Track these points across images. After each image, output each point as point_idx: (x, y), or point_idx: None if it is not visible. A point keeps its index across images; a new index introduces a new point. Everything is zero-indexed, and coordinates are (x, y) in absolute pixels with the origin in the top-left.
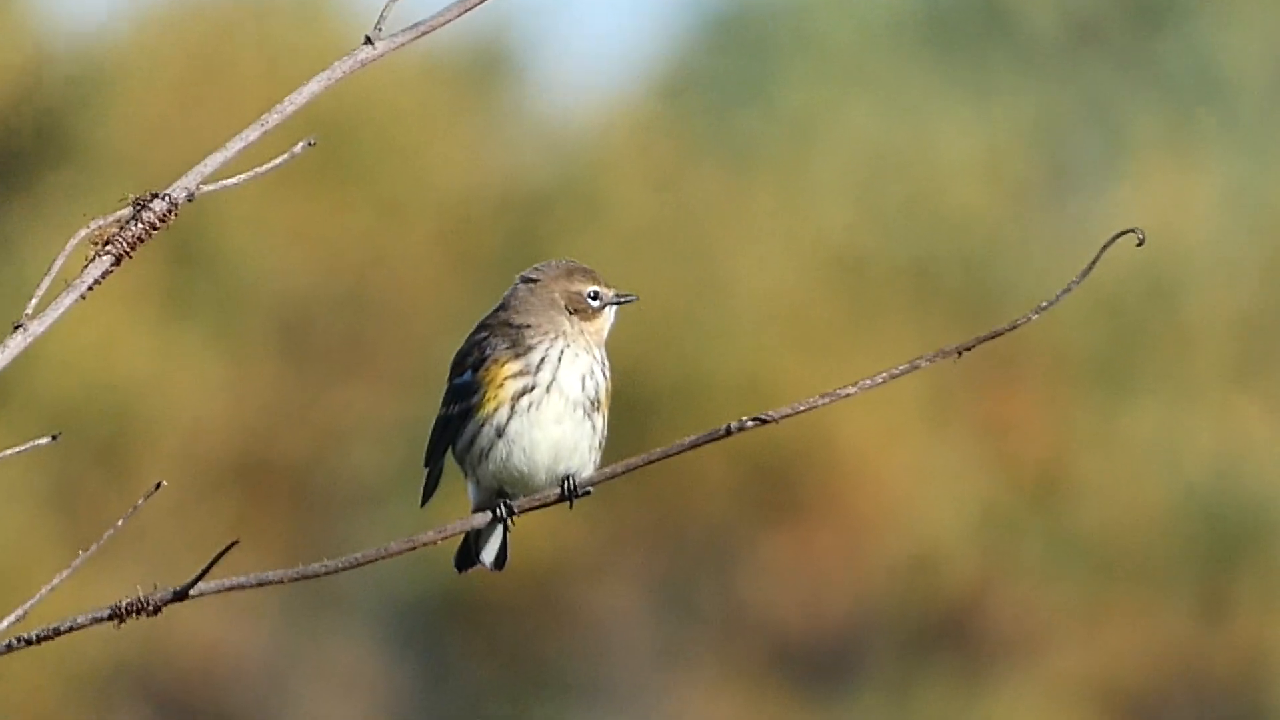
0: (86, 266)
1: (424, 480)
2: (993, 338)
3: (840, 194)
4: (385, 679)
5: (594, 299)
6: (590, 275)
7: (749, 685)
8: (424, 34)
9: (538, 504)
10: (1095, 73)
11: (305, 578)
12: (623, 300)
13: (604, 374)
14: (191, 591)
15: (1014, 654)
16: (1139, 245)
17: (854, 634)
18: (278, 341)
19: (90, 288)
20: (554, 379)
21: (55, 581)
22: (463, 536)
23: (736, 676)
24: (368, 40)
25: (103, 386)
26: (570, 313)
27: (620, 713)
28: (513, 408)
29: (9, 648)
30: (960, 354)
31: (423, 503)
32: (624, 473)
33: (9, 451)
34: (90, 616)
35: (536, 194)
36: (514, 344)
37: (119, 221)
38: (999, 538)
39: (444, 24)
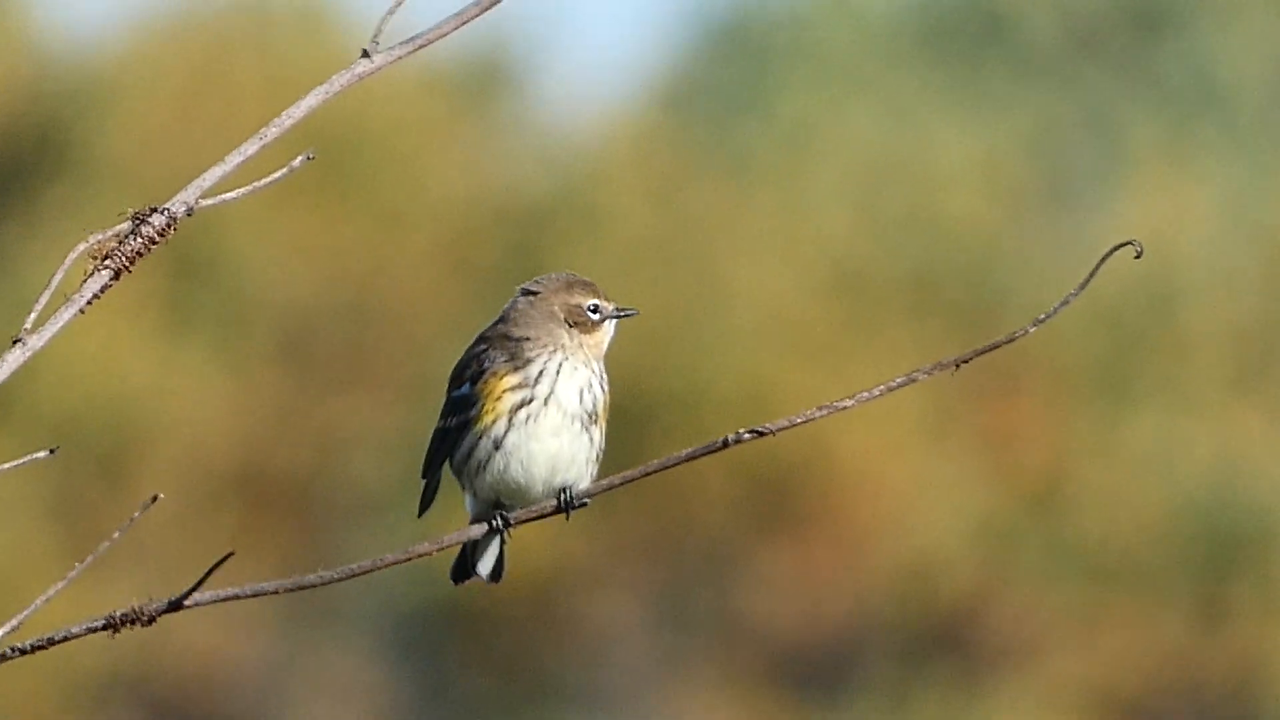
0: (85, 280)
1: (421, 491)
2: (990, 350)
3: (839, 203)
4: (384, 689)
5: (594, 312)
6: (590, 288)
7: (748, 694)
8: (421, 47)
9: (535, 515)
10: (1094, 82)
11: (301, 588)
12: (623, 314)
13: (602, 387)
14: (187, 602)
15: (1012, 661)
16: (1137, 257)
17: (852, 643)
18: (278, 352)
19: (89, 302)
20: (552, 392)
21: (50, 592)
22: (460, 548)
23: (735, 686)
24: (365, 54)
25: (104, 398)
26: (570, 326)
27: None
28: (510, 420)
29: (3, 657)
30: (958, 366)
31: (420, 513)
32: (621, 484)
33: (6, 465)
34: (85, 626)
35: (536, 205)
36: (513, 357)
37: (118, 236)
38: (998, 546)
39: (441, 37)
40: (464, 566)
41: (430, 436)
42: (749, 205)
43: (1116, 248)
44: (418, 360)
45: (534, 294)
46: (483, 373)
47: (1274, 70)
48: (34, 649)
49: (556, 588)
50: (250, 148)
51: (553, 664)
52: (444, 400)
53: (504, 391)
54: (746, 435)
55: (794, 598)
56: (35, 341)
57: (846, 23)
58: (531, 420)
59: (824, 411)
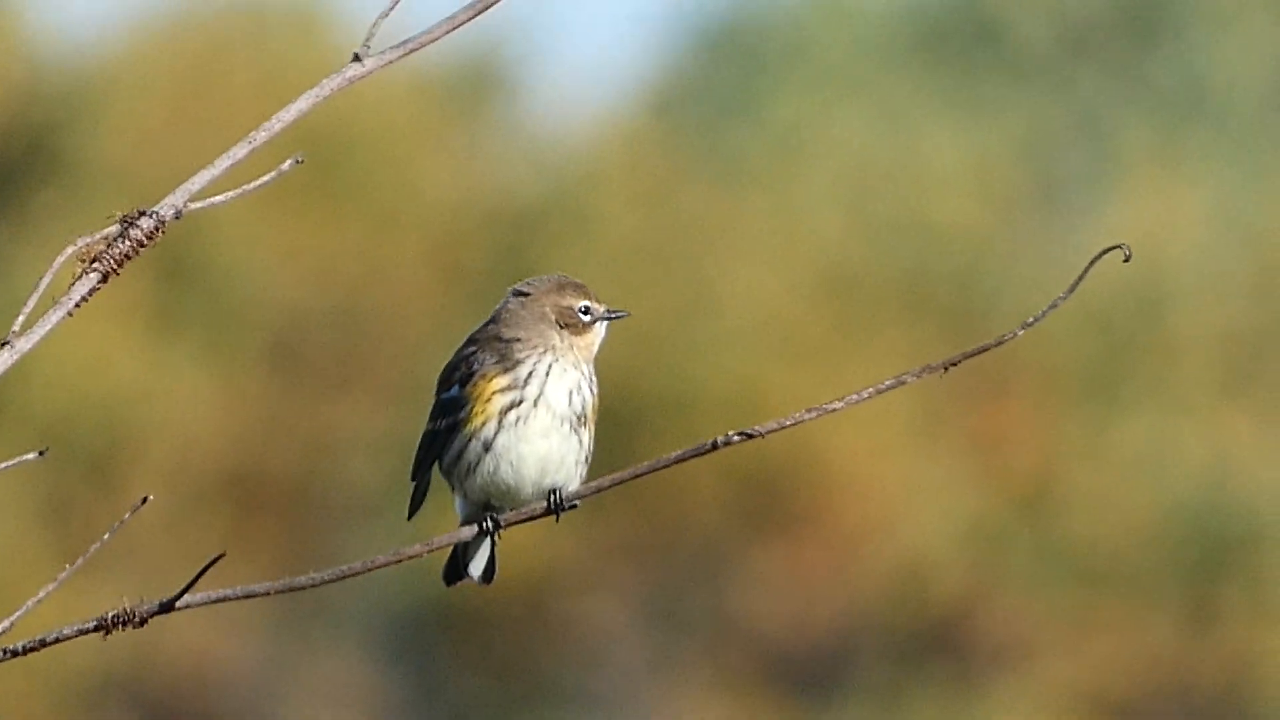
0: (74, 284)
1: (411, 494)
2: (979, 353)
3: (831, 207)
4: (376, 691)
5: (585, 314)
6: (581, 290)
7: (740, 696)
8: (412, 51)
9: (525, 517)
10: (1085, 86)
11: (292, 590)
12: (614, 316)
13: (591, 389)
14: (178, 604)
15: (1003, 663)
16: (1125, 261)
17: (844, 645)
18: (269, 356)
19: (77, 305)
20: (541, 393)
21: (41, 595)
22: (451, 551)
23: (727, 687)
24: (356, 58)
25: (95, 400)
26: (560, 327)
27: None
28: (500, 422)
29: None
30: (946, 369)
31: (410, 516)
32: (610, 487)
33: None
34: (76, 628)
35: (527, 208)
36: (502, 358)
37: (106, 239)
38: (988, 548)
39: (432, 41)
40: (455, 568)
41: (419, 439)
42: (740, 208)
43: (1105, 251)
44: (408, 363)
45: (525, 295)
46: (472, 374)
47: (1265, 75)
48: (25, 651)
49: (549, 589)
50: (239, 151)
51: (545, 665)
52: (433, 402)
53: (493, 393)
54: (736, 437)
55: (786, 599)
56: (23, 344)
57: (838, 27)
58: (521, 422)
59: (813, 414)
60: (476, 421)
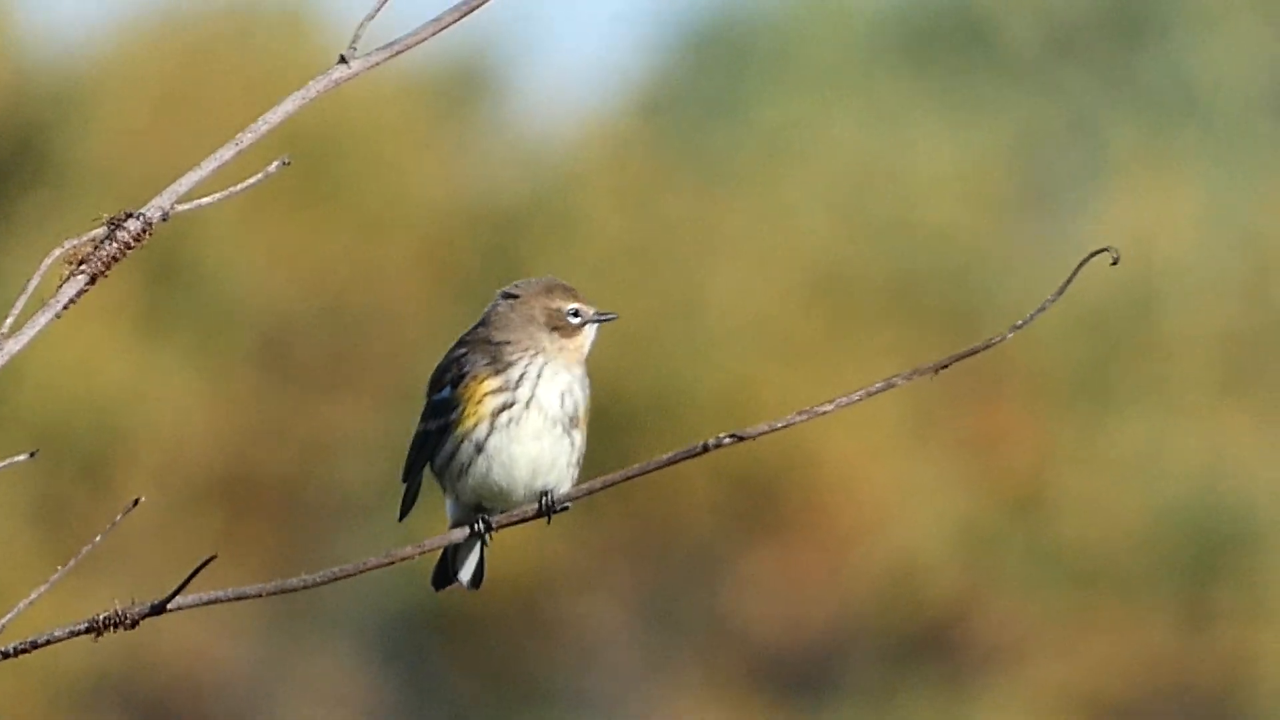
0: (61, 285)
1: (402, 495)
2: (968, 355)
3: (820, 209)
4: (370, 692)
5: (574, 316)
6: (571, 293)
7: (733, 698)
8: (398, 53)
9: (516, 520)
10: (1075, 87)
11: (283, 591)
12: (603, 318)
13: (583, 391)
14: (169, 605)
15: (996, 665)
16: (1114, 264)
17: (837, 646)
18: (259, 357)
19: (65, 307)
20: (533, 395)
21: (33, 596)
22: (440, 555)
23: (721, 689)
24: (343, 59)
25: (85, 403)
26: (550, 330)
27: None
28: (492, 424)
29: None
30: (937, 371)
31: (400, 518)
32: (601, 489)
33: None
34: (68, 630)
35: (515, 210)
36: (493, 360)
37: (94, 241)
38: (981, 551)
39: (418, 43)
40: (445, 573)
41: (411, 440)
42: (729, 210)
43: (1093, 254)
44: (398, 364)
45: (514, 298)
46: (463, 376)
47: (1254, 75)
48: (17, 652)
49: (541, 591)
50: (226, 153)
51: (538, 667)
52: (424, 404)
53: (485, 395)
54: (726, 440)
55: (778, 601)
56: (12, 346)
57: (827, 28)
58: (513, 424)
59: (804, 416)
60: (468, 423)
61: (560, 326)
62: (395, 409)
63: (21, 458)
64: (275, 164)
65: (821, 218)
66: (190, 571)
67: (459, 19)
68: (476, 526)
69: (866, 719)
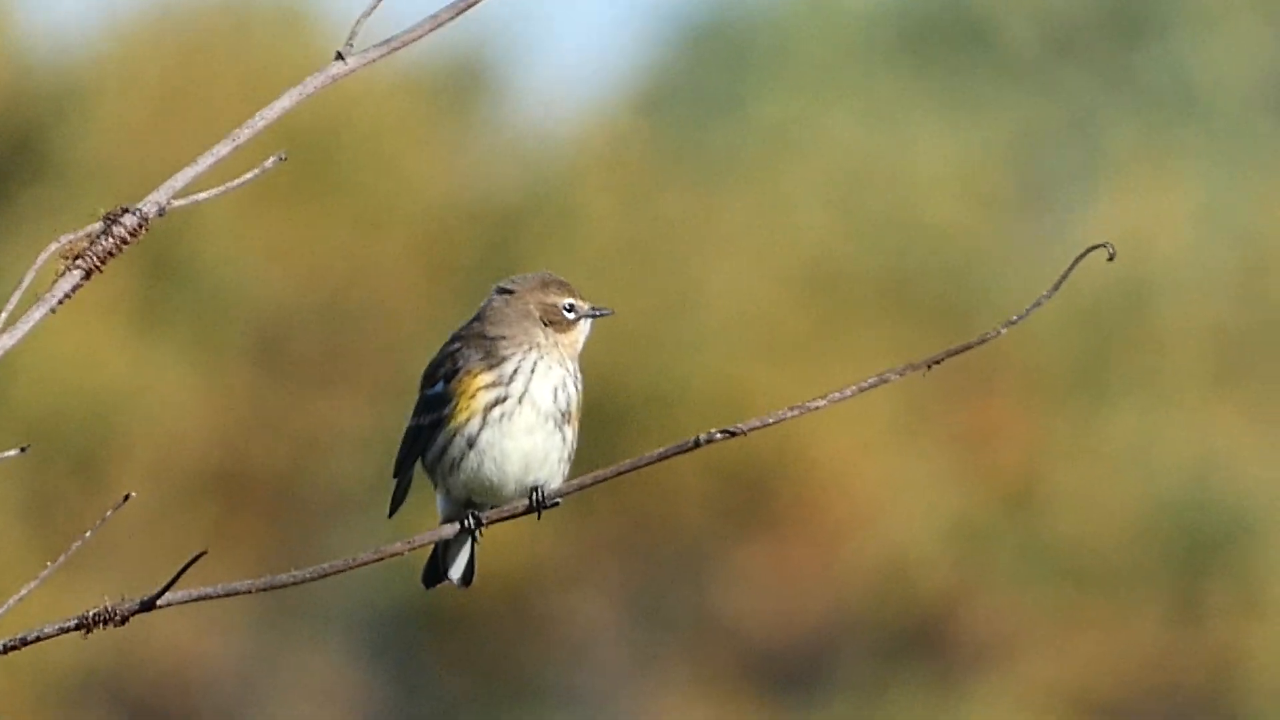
0: (57, 281)
1: (392, 490)
2: (962, 351)
3: (816, 206)
4: (360, 689)
5: (569, 311)
6: (566, 288)
7: (724, 694)
8: (395, 49)
9: (506, 515)
10: (1072, 86)
11: (273, 588)
12: (598, 313)
13: (576, 386)
14: (159, 602)
15: (987, 661)
16: (1109, 260)
17: (828, 642)
18: (254, 353)
19: (60, 301)
20: (526, 390)
21: (23, 592)
22: (430, 553)
23: (711, 685)
24: (339, 56)
25: (80, 397)
26: (545, 325)
27: None
28: (485, 418)
29: None
30: (929, 367)
31: (391, 513)
32: (592, 484)
33: None
34: (57, 626)
35: (512, 206)
36: (487, 355)
37: (89, 236)
38: (973, 546)
39: (415, 39)
40: (435, 571)
41: (403, 434)
42: (725, 207)
43: (1088, 250)
44: (394, 360)
45: (509, 293)
46: (457, 371)
47: (1251, 74)
48: (7, 649)
49: (532, 587)
50: (223, 149)
51: (529, 664)
52: (416, 399)
53: (478, 390)
54: (718, 435)
55: (769, 597)
56: (6, 340)
57: (824, 26)
58: (506, 419)
59: (796, 412)
60: (461, 418)
61: (555, 321)
62: (390, 404)
63: (12, 453)
64: (271, 160)
65: (819, 215)
66: (180, 568)
67: (456, 15)
68: (467, 522)
69: (857, 715)
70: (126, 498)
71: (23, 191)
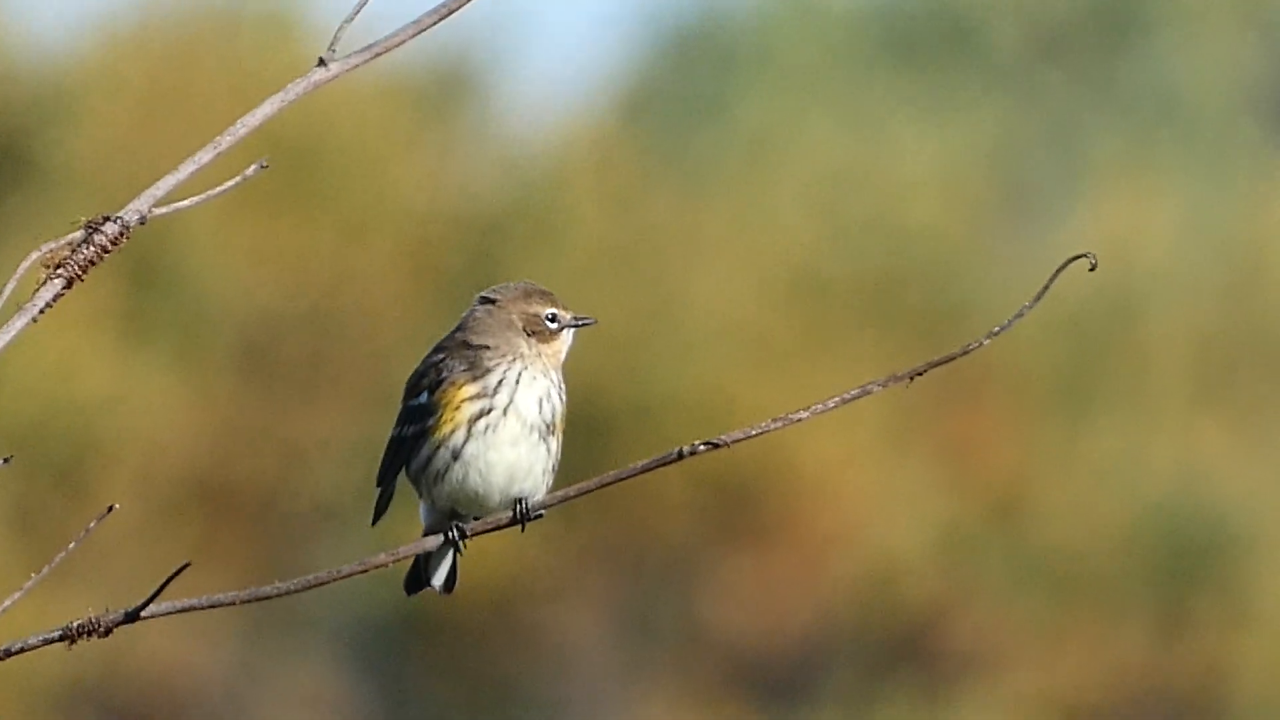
0: (38, 290)
1: (375, 501)
2: (944, 362)
3: (800, 212)
4: (347, 699)
5: (552, 321)
6: (548, 297)
7: (710, 704)
8: (377, 55)
9: (490, 527)
10: (1056, 92)
11: (258, 599)
12: (581, 323)
13: (560, 397)
14: (143, 613)
15: (974, 672)
16: (1091, 270)
17: (814, 653)
18: (239, 362)
19: (41, 311)
20: (511, 401)
21: (7, 603)
22: (413, 559)
23: (697, 695)
24: (322, 62)
25: (63, 407)
26: (528, 335)
27: None
28: (469, 430)
29: None
30: (912, 379)
31: (374, 522)
32: (576, 496)
33: None
34: (41, 638)
35: (496, 213)
36: (471, 366)
37: (71, 244)
38: (959, 557)
39: (398, 45)
40: (417, 578)
41: (386, 445)
42: (709, 214)
43: (1070, 260)
44: (379, 369)
45: (492, 303)
46: (441, 382)
47: (1234, 81)
48: None
49: (519, 597)
50: (205, 156)
51: (515, 674)
52: (400, 409)
53: (463, 401)
54: (702, 447)
55: (756, 607)
56: None
57: (808, 31)
58: (491, 430)
59: (779, 423)
60: (445, 429)
61: (538, 332)
62: (375, 413)
63: None
64: (253, 167)
65: (801, 221)
66: (165, 579)
67: (438, 21)
68: (451, 534)
69: None
70: (110, 509)
71: (6, 198)
